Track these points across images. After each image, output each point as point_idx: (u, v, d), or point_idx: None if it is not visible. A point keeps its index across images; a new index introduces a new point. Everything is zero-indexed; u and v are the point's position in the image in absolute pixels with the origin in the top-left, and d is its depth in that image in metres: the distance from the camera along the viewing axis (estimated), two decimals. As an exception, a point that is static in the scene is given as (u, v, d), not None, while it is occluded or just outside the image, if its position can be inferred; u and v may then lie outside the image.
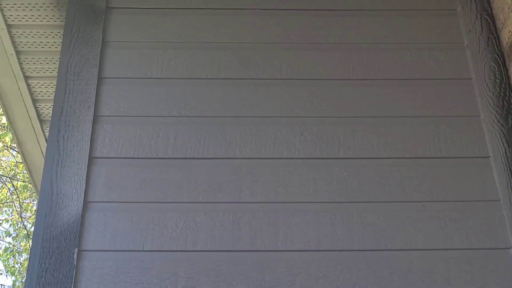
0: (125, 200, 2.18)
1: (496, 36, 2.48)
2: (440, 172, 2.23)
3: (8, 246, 10.95)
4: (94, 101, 2.33)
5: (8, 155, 10.04)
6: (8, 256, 10.84)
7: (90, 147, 2.25)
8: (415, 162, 2.25)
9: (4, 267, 11.02)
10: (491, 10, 2.53)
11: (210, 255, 2.10)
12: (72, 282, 2.03)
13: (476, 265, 2.07)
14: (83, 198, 2.16)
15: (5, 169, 10.48)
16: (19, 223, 10.83)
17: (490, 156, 2.26)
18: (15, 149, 8.83)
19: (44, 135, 3.27)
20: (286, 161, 2.26)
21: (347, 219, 2.16)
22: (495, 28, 2.50)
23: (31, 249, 2.11)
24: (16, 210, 10.83)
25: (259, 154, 2.27)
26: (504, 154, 2.25)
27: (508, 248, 2.10)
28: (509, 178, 2.20)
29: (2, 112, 3.26)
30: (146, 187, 2.20)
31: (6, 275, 11.58)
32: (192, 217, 2.15)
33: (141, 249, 2.10)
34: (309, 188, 2.21)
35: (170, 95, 2.37)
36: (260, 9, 2.57)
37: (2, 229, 11.09)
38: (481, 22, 2.51)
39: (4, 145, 9.38)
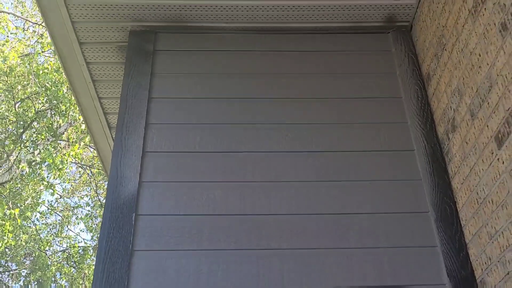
0: (167, 180, 2.17)
1: (418, 68, 2.47)
2: (381, 160, 2.23)
3: (87, 213, 10.94)
4: (145, 113, 2.33)
5: (88, 151, 10.02)
6: (88, 219, 10.83)
7: (143, 144, 2.24)
8: (364, 154, 2.24)
9: (85, 227, 11.01)
10: (415, 50, 2.52)
11: (225, 218, 2.09)
12: (131, 236, 2.03)
13: (403, 222, 2.07)
14: (138, 179, 2.15)
15: (86, 161, 10.47)
16: (95, 197, 10.81)
17: (414, 150, 2.25)
18: (93, 147, 8.80)
19: (112, 137, 3.26)
20: (276, 154, 2.26)
21: (318, 193, 2.15)
22: (418, 63, 2.49)
23: (103, 214, 2.11)
24: (93, 188, 10.81)
25: (257, 149, 2.27)
26: (424, 148, 2.24)
27: (427, 212, 2.09)
28: (428, 165, 2.20)
29: (83, 122, 3.26)
30: (181, 171, 2.20)
31: (86, 232, 11.57)
32: (212, 192, 2.15)
33: (178, 213, 2.10)
34: (292, 172, 2.21)
35: (199, 110, 2.36)
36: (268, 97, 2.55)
37: (83, 201, 11.07)
38: (408, 59, 2.50)
39: (85, 144, 9.35)
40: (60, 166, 8.76)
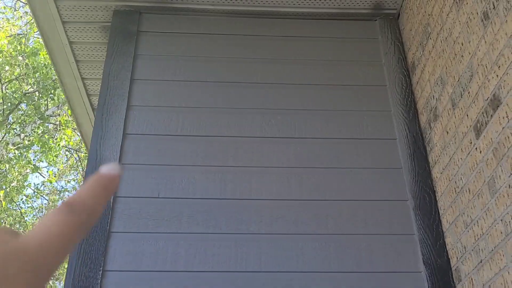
0: (147, 163, 2.17)
1: (404, 57, 2.48)
2: (363, 148, 2.24)
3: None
4: (127, 95, 2.32)
5: (76, 135, 9.98)
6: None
7: (123, 126, 2.24)
8: (346, 141, 2.26)
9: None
10: (402, 39, 2.53)
11: (205, 201, 2.10)
12: (109, 218, 2.03)
13: (382, 210, 2.09)
14: (118, 161, 2.15)
15: (73, 145, 10.42)
16: (82, 181, 10.77)
17: (396, 138, 2.27)
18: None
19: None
20: (259, 139, 2.26)
21: (299, 179, 2.17)
22: (404, 51, 2.49)
23: (81, 195, 2.10)
24: (80, 172, 10.78)
25: (240, 134, 2.27)
26: (406, 137, 2.26)
27: (406, 200, 2.11)
28: (409, 154, 2.21)
29: (67, 103, 3.23)
30: (162, 154, 2.20)
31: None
32: (193, 175, 2.15)
33: (157, 196, 2.10)
34: (274, 157, 2.21)
35: (182, 93, 2.36)
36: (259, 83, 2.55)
37: (70, 185, 11.04)
38: (394, 47, 2.51)
39: (72, 128, 9.31)
40: (55, 151, 8.72)
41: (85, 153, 9.96)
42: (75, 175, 11.13)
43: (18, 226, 10.19)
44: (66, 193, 10.97)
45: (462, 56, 1.88)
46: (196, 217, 2.06)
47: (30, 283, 0.26)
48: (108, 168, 0.35)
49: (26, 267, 0.26)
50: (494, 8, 1.63)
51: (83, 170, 10.58)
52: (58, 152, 9.02)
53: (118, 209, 2.05)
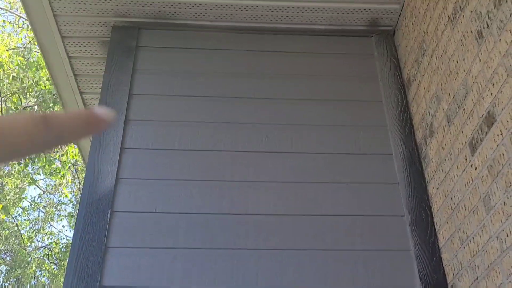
0: (144, 177, 2.17)
1: (399, 73, 2.49)
2: (359, 163, 2.25)
3: (70, 211, 10.86)
4: (125, 109, 2.32)
5: (71, 148, 9.96)
6: (71, 218, 10.76)
7: (121, 140, 2.24)
8: (342, 156, 2.26)
9: (68, 224, 10.94)
10: (397, 55, 2.55)
11: (202, 216, 2.10)
12: (106, 232, 2.02)
13: (379, 225, 2.09)
14: (115, 175, 2.15)
15: (70, 157, 10.41)
16: (79, 194, 10.74)
17: (392, 154, 2.27)
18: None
19: (94, 133, 3.24)
20: (256, 153, 2.26)
21: (296, 193, 2.17)
22: (399, 67, 2.51)
23: (78, 210, 2.10)
24: (77, 186, 10.75)
25: (237, 148, 2.27)
26: (402, 152, 2.27)
27: (402, 216, 2.11)
28: (405, 169, 2.22)
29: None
30: (159, 168, 2.20)
31: (70, 230, 11.47)
32: (190, 190, 2.15)
33: (154, 210, 2.10)
34: (271, 172, 2.22)
35: (180, 108, 2.36)
36: (252, 97, 2.57)
37: (67, 198, 11.00)
38: (389, 63, 2.52)
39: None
40: (54, 168, 8.71)
41: (82, 166, 9.94)
42: (72, 188, 11.09)
43: (14, 239, 10.12)
44: (63, 206, 10.93)
45: (457, 73, 1.89)
46: (193, 232, 2.06)
47: None
48: (102, 111, 0.35)
49: None
50: (487, 27, 1.65)
51: (79, 183, 10.56)
52: (57, 169, 9.00)
53: (115, 224, 2.05)
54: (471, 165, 1.76)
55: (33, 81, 8.79)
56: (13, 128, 0.29)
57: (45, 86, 8.73)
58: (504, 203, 1.53)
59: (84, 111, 0.34)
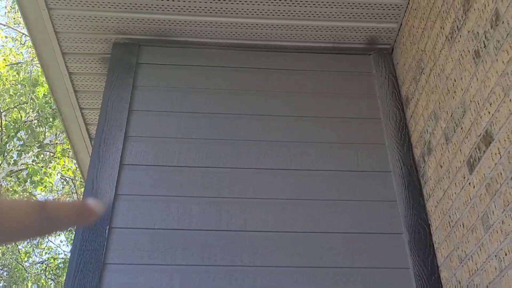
0: (143, 194, 2.17)
1: (398, 91, 2.51)
2: (358, 180, 2.25)
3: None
4: (125, 125, 2.33)
5: (71, 164, 9.95)
6: (71, 231, 10.70)
7: (121, 157, 2.24)
8: (341, 173, 2.26)
9: (66, 239, 10.87)
10: (395, 73, 2.57)
11: (200, 233, 2.09)
12: (104, 249, 2.01)
13: (377, 243, 2.08)
14: (114, 191, 2.15)
15: (69, 173, 10.39)
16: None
17: (391, 171, 2.28)
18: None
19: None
20: (254, 170, 2.27)
21: (294, 210, 2.16)
22: (398, 85, 2.53)
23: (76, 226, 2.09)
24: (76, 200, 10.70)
25: (236, 165, 2.27)
26: (401, 170, 2.27)
27: (401, 234, 2.11)
28: (404, 187, 2.22)
29: (64, 132, 3.25)
30: (158, 185, 2.20)
31: (67, 245, 11.40)
32: (189, 206, 2.15)
33: (153, 227, 2.10)
34: (269, 189, 2.22)
35: (179, 124, 2.37)
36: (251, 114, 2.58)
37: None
38: (388, 81, 2.54)
39: (69, 157, 9.29)
40: (47, 182, 8.69)
41: (81, 181, 9.92)
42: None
43: (10, 254, 10.06)
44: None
45: (454, 92, 1.91)
46: (191, 249, 2.05)
47: None
48: (93, 204, 0.37)
49: None
50: (485, 47, 1.67)
51: (78, 198, 10.52)
52: (52, 180, 8.98)
53: (113, 240, 2.04)
54: (469, 183, 1.76)
55: (33, 96, 8.82)
56: (12, 214, 0.30)
57: (45, 103, 8.75)
58: (503, 221, 1.53)
59: (77, 202, 0.35)
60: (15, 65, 9.28)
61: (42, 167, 8.87)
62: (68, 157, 9.20)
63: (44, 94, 8.83)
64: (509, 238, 1.49)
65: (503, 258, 1.51)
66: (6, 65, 9.03)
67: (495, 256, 1.56)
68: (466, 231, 1.77)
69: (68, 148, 9.11)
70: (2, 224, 0.30)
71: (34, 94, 8.77)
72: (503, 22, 1.56)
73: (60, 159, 8.93)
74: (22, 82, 8.91)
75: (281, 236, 2.09)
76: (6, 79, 8.98)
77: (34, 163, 8.76)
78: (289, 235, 2.10)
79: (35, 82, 8.80)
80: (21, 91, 8.94)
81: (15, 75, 9.00)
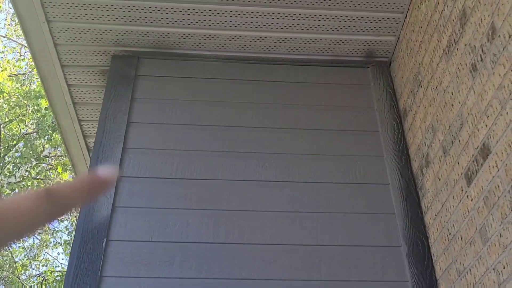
0: (140, 206, 2.17)
1: (395, 104, 2.52)
2: (356, 193, 2.25)
3: (66, 239, 10.76)
4: (123, 138, 2.33)
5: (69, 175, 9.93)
6: (68, 244, 10.66)
7: (118, 169, 2.24)
8: (339, 186, 2.26)
9: (64, 252, 10.81)
10: (393, 86, 2.58)
11: (198, 245, 2.09)
12: (101, 262, 2.01)
13: (376, 255, 2.07)
14: (111, 204, 2.14)
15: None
16: (75, 221, 10.66)
17: (389, 184, 2.28)
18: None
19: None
20: (253, 183, 2.26)
21: (292, 223, 2.16)
22: (395, 98, 2.54)
23: (74, 238, 2.09)
24: (73, 213, 10.67)
25: (234, 177, 2.27)
26: (399, 182, 2.27)
27: (399, 246, 2.10)
28: (402, 199, 2.22)
29: (63, 143, 3.26)
30: (156, 197, 2.19)
31: (65, 258, 11.34)
32: (186, 219, 2.14)
33: (150, 240, 2.09)
34: (267, 201, 2.21)
35: (177, 136, 2.37)
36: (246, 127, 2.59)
37: (63, 225, 10.90)
38: (386, 94, 2.55)
39: (68, 169, 9.28)
40: None
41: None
42: (67, 215, 11.00)
43: (7, 266, 9.99)
44: (59, 233, 10.83)
45: (452, 105, 1.91)
46: (188, 261, 2.04)
47: None
48: (103, 171, 0.34)
49: None
50: (481, 60, 1.68)
51: (76, 211, 10.48)
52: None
53: (111, 253, 2.03)
54: (467, 196, 1.76)
55: (32, 108, 8.83)
56: (18, 211, 0.30)
57: (44, 116, 8.76)
58: (500, 234, 1.52)
59: (87, 178, 0.34)
60: (14, 76, 9.30)
61: (41, 179, 8.85)
62: (67, 170, 9.19)
63: (46, 107, 8.84)
64: (507, 251, 1.48)
65: (501, 271, 1.51)
66: (8, 76, 9.05)
67: (493, 269, 1.55)
68: (465, 244, 1.76)
69: (65, 164, 9.10)
70: (7, 224, 0.29)
71: (38, 107, 8.77)
72: (499, 35, 1.57)
73: (60, 174, 8.91)
74: (23, 94, 8.92)
75: (279, 249, 2.09)
76: (6, 92, 9.01)
77: (30, 176, 8.73)
78: (287, 248, 2.09)
79: (38, 95, 8.82)
80: (22, 102, 8.95)
81: (17, 88, 9.02)
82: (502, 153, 1.54)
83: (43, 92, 8.73)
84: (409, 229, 2.13)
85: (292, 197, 2.23)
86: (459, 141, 1.84)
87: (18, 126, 9.28)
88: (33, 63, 2.72)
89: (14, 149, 9.15)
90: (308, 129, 2.43)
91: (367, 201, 2.22)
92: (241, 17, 2.43)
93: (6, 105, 9.06)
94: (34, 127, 9.23)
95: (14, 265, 10.01)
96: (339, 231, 2.13)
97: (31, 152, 8.91)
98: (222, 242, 2.10)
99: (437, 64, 2.06)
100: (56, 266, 10.71)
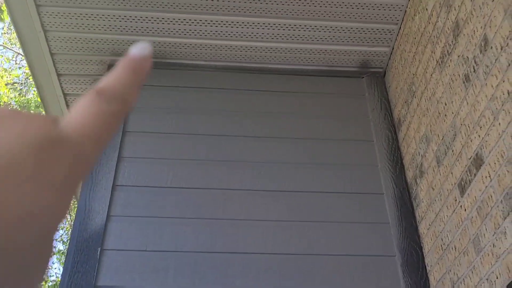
0: (135, 215, 2.16)
1: (390, 114, 2.53)
2: (350, 202, 2.25)
3: (61, 248, 10.70)
4: (118, 146, 2.34)
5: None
6: (63, 253, 10.59)
7: (113, 178, 2.24)
8: (334, 195, 2.27)
9: (58, 261, 10.75)
10: (388, 96, 2.60)
11: (192, 254, 2.08)
12: (95, 271, 2.00)
13: (370, 265, 2.08)
14: (106, 212, 2.14)
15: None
16: (70, 230, 10.62)
17: (383, 193, 2.28)
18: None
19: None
20: (248, 192, 2.27)
21: (287, 232, 2.16)
22: (390, 107, 2.55)
23: (68, 247, 2.08)
24: (68, 222, 10.62)
25: (230, 186, 2.28)
26: (393, 192, 2.28)
27: (394, 256, 2.11)
28: (396, 209, 2.23)
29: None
30: (151, 206, 2.19)
31: (59, 268, 11.27)
32: (182, 228, 2.14)
33: (145, 249, 2.08)
34: (263, 210, 2.22)
35: (173, 145, 2.38)
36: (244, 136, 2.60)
37: (57, 234, 10.84)
38: (380, 104, 2.57)
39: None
40: None
41: (73, 202, 9.84)
42: (62, 224, 10.95)
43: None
44: (54, 242, 10.74)
45: (445, 115, 1.93)
46: (183, 270, 2.04)
47: (71, 173, 0.25)
48: (137, 50, 0.31)
49: (68, 156, 0.25)
50: (474, 71, 1.70)
51: (71, 219, 10.44)
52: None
53: (105, 262, 2.03)
54: (461, 206, 1.77)
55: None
56: (85, 124, 0.27)
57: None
58: (493, 245, 1.53)
59: (124, 63, 0.31)
60: (10, 84, 9.30)
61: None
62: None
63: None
64: (500, 261, 1.49)
65: (495, 281, 1.51)
66: (5, 85, 9.05)
67: (487, 279, 1.56)
68: (458, 254, 1.77)
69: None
70: (88, 137, 0.27)
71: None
72: (491, 47, 1.59)
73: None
74: (20, 103, 8.92)
75: (274, 258, 2.09)
76: (5, 101, 9.00)
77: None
78: (281, 257, 2.09)
79: (38, 104, 8.83)
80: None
81: (15, 96, 9.03)
82: (494, 163, 1.55)
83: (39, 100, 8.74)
84: (403, 238, 2.14)
85: (287, 206, 2.23)
86: (453, 151, 1.85)
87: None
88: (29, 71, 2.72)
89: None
90: (303, 139, 2.44)
91: (362, 211, 2.23)
92: (237, 27, 2.45)
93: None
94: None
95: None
96: (334, 240, 2.13)
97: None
98: (217, 252, 2.09)
99: (431, 75, 2.08)
100: (50, 276, 10.63)
